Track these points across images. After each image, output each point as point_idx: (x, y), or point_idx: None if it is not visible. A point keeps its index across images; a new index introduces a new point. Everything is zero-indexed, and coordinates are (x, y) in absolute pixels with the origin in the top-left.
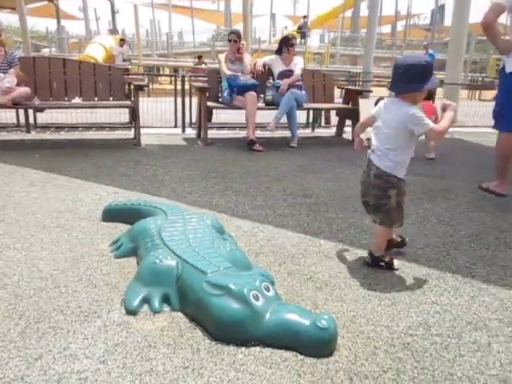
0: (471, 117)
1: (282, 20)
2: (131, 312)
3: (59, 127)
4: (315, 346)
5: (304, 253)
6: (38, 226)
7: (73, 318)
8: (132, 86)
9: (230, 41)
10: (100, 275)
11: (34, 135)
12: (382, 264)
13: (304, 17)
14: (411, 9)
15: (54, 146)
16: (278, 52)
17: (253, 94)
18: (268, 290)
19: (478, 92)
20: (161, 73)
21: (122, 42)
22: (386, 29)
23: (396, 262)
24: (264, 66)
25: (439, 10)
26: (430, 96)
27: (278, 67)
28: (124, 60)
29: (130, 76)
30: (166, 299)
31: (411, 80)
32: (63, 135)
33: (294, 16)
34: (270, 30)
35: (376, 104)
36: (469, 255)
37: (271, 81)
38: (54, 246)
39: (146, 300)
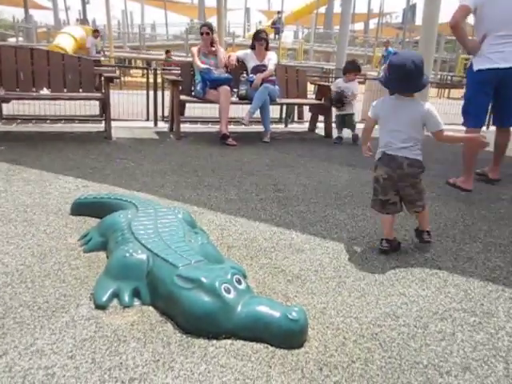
0: (440, 115)
1: (257, 15)
2: (100, 307)
3: (26, 119)
4: (286, 337)
5: (276, 246)
6: (3, 220)
7: (40, 314)
8: (102, 78)
9: (202, 34)
10: (68, 270)
11: None
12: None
13: (278, 12)
14: (383, 7)
15: (21, 138)
16: (252, 47)
17: (226, 88)
18: (239, 282)
19: (447, 90)
20: (133, 65)
21: (96, 33)
22: (359, 26)
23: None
24: (238, 61)
25: (410, 9)
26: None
27: (252, 62)
28: (98, 52)
29: (102, 68)
30: (136, 293)
31: (421, 76)
32: (31, 127)
33: (268, 11)
34: (245, 24)
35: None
36: (436, 248)
37: (245, 75)
38: (21, 241)
39: (116, 294)
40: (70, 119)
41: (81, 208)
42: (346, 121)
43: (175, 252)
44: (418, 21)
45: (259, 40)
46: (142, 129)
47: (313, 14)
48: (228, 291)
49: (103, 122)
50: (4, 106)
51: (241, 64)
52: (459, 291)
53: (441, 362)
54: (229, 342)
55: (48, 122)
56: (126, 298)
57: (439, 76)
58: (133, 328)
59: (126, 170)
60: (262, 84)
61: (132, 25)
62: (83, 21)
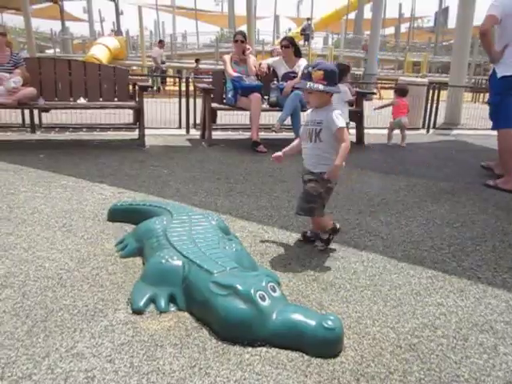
0: (476, 119)
1: (286, 22)
2: (137, 311)
3: (64, 127)
4: (321, 346)
5: (309, 254)
6: (43, 226)
7: (79, 317)
8: (136, 87)
9: (236, 41)
10: (106, 275)
11: (39, 135)
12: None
13: (308, 19)
14: (415, 11)
15: (59, 146)
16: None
17: (257, 95)
18: (274, 290)
19: (481, 94)
20: (165, 74)
21: (161, 43)
22: (390, 31)
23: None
24: (268, 68)
25: (443, 12)
26: (404, 94)
27: (282, 69)
28: (163, 62)
29: (135, 77)
30: (172, 299)
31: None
32: (68, 135)
33: (297, 18)
34: (274, 32)
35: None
36: (474, 257)
37: (275, 82)
38: (60, 246)
39: (153, 300)
40: (105, 127)
41: (117, 214)
42: None
43: (210, 258)
44: (451, 24)
45: (282, 47)
46: (175, 136)
47: (342, 19)
48: (263, 299)
49: (137, 129)
50: (43, 115)
51: (271, 71)
52: (500, 302)
53: (483, 375)
54: (264, 349)
55: (84, 130)
56: (163, 304)
57: (473, 80)
58: (169, 333)
59: (159, 177)
60: (292, 91)
61: (164, 34)
62: (117, 32)
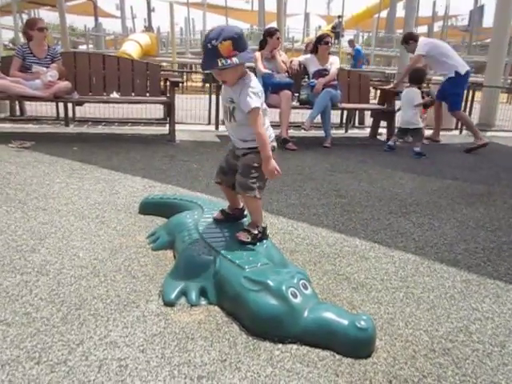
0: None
1: (316, 19)
2: (169, 304)
3: (96, 121)
4: (353, 346)
5: (339, 253)
6: (77, 217)
7: (112, 307)
8: (168, 83)
9: (271, 37)
10: (138, 266)
11: (72, 128)
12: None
13: (339, 17)
14: (449, 10)
15: (92, 139)
16: (314, 51)
17: (287, 92)
18: (306, 287)
19: None
20: (194, 70)
21: None
22: (422, 29)
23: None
24: (299, 65)
25: (478, 10)
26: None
27: (313, 66)
28: None
29: (167, 72)
30: (203, 292)
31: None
32: (100, 129)
33: (327, 16)
34: (304, 29)
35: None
36: (511, 262)
37: (306, 80)
38: (94, 237)
39: (184, 292)
40: (136, 122)
41: (148, 207)
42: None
43: (241, 254)
44: (486, 23)
45: (324, 44)
46: (204, 132)
47: (374, 17)
48: (294, 296)
49: (167, 125)
50: (76, 108)
51: (302, 69)
52: None
53: None
54: (294, 346)
55: (116, 124)
56: (194, 297)
57: (510, 81)
58: (200, 326)
59: (189, 172)
60: (323, 89)
61: (194, 31)
62: (148, 28)
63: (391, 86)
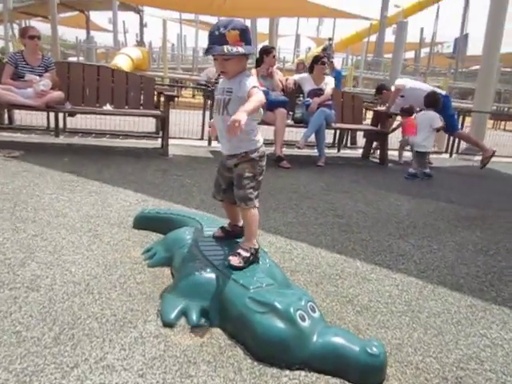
0: (498, 147)
1: (306, 41)
2: (168, 324)
3: (87, 133)
4: (365, 372)
5: (341, 274)
6: (69, 230)
7: (108, 327)
8: (162, 97)
9: (267, 55)
10: (134, 283)
11: (62, 139)
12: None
13: (329, 39)
14: (436, 37)
15: (82, 151)
16: (310, 71)
17: (283, 110)
18: (314, 310)
19: (502, 122)
20: (187, 86)
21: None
22: (410, 55)
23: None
24: (294, 84)
25: (463, 39)
26: (410, 114)
27: (309, 85)
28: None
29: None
30: (204, 313)
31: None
32: (91, 141)
33: (317, 38)
34: (295, 50)
35: None
36: None
37: (301, 98)
38: (86, 251)
39: (184, 313)
40: (128, 135)
41: (143, 222)
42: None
43: (245, 273)
44: (470, 51)
45: (321, 64)
46: (196, 147)
47: (363, 41)
48: (303, 319)
49: (159, 139)
50: (67, 119)
51: (297, 87)
52: None
53: None
54: (303, 373)
55: (107, 136)
56: (194, 318)
57: (495, 107)
58: (202, 350)
59: (183, 188)
60: (318, 108)
61: (185, 48)
62: (140, 43)
63: (384, 109)
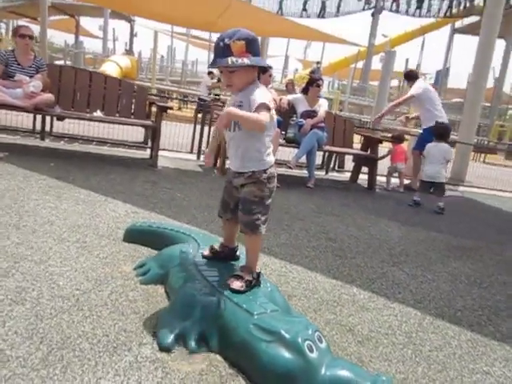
0: (479, 178)
1: (294, 63)
2: (165, 349)
3: (73, 138)
4: None
5: (338, 301)
6: (55, 239)
7: (100, 348)
8: (154, 107)
9: (264, 73)
10: (126, 301)
11: (47, 143)
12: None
13: (317, 62)
14: (420, 68)
15: (68, 156)
16: (304, 92)
17: (276, 129)
18: (321, 340)
19: (482, 155)
20: (169, 98)
21: (211, 74)
22: (394, 82)
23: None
24: (288, 104)
25: (444, 72)
26: (400, 141)
27: (302, 106)
28: (209, 93)
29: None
30: (203, 338)
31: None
32: (77, 147)
33: (303, 60)
34: (283, 70)
35: None
36: (511, 323)
37: (294, 119)
38: (75, 263)
39: (182, 336)
40: (115, 143)
41: (135, 235)
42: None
43: (248, 297)
44: (450, 84)
45: (316, 86)
46: (185, 161)
47: (350, 67)
48: (311, 349)
49: (147, 149)
50: (54, 123)
51: (290, 107)
52: None
53: None
54: None
55: (94, 143)
56: (193, 343)
57: (475, 140)
58: (201, 378)
59: (173, 201)
60: (311, 129)
61: (174, 60)
62: (129, 51)
63: (377, 116)
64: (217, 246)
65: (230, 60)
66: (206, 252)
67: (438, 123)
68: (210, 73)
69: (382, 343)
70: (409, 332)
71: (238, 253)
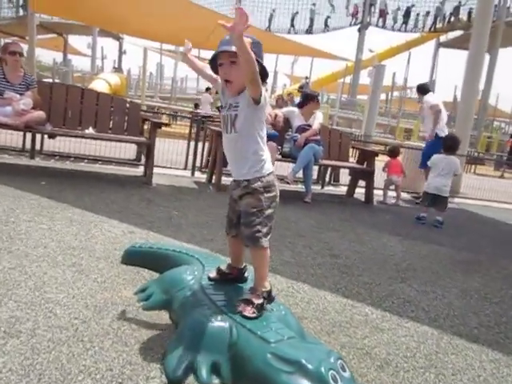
0: (472, 189)
1: (282, 78)
2: (175, 382)
3: (64, 156)
4: None
5: (351, 322)
6: (50, 263)
7: None
8: (149, 124)
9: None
10: (129, 330)
11: (37, 162)
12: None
13: (306, 77)
14: (407, 82)
15: (60, 175)
16: (300, 106)
17: (272, 144)
18: (344, 369)
19: (473, 166)
20: (162, 114)
21: (210, 90)
22: (382, 96)
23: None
24: (284, 120)
25: (431, 85)
26: (396, 154)
27: (298, 121)
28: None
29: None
30: (215, 369)
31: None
32: (68, 165)
33: (291, 75)
34: (272, 85)
35: None
36: None
37: (289, 133)
38: (71, 289)
39: (192, 369)
40: (108, 161)
41: (134, 257)
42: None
43: (261, 322)
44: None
45: (317, 102)
46: (179, 177)
47: (339, 81)
48: (335, 380)
49: (140, 166)
50: (44, 141)
51: (285, 121)
52: None
53: None
54: None
55: (85, 161)
56: (204, 375)
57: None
58: None
59: (171, 220)
60: (306, 143)
61: (163, 77)
62: (118, 69)
63: (429, 135)
64: (224, 267)
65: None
66: (213, 274)
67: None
68: (207, 89)
69: (403, 367)
70: (428, 354)
71: (246, 274)
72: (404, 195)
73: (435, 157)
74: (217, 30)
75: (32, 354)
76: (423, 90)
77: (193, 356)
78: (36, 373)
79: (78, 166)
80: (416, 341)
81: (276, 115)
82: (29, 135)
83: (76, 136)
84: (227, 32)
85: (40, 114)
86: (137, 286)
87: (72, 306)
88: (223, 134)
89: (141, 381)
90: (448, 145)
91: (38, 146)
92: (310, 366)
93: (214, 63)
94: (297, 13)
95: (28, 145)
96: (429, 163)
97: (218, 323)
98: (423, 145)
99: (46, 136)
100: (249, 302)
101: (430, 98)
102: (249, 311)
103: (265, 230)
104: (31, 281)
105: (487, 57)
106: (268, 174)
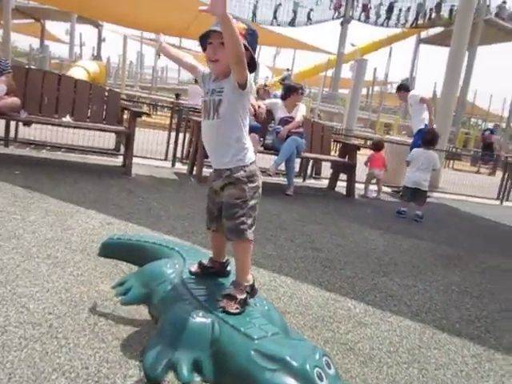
0: (450, 184)
1: (264, 70)
2: (154, 381)
3: (40, 145)
4: None
5: (334, 316)
6: (23, 255)
7: None
8: (128, 113)
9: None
10: (106, 326)
11: (12, 150)
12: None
13: (287, 69)
14: (388, 77)
15: (35, 164)
16: (283, 98)
17: (255, 135)
18: (329, 366)
19: (451, 162)
20: (142, 104)
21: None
22: (363, 91)
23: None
24: (267, 112)
25: (410, 81)
26: (379, 148)
27: (281, 113)
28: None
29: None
30: (196, 366)
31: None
32: (44, 154)
33: (273, 67)
34: (254, 77)
35: None
36: (510, 333)
37: (272, 125)
38: (46, 282)
39: (172, 366)
40: (85, 150)
41: (112, 249)
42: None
43: (245, 318)
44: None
45: (301, 94)
46: (160, 168)
47: (321, 75)
48: (320, 377)
49: (119, 156)
50: (19, 129)
51: (267, 113)
52: None
53: None
54: None
55: (62, 150)
56: (185, 372)
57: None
58: None
59: (150, 211)
60: (289, 136)
61: (144, 66)
62: (97, 57)
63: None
64: (205, 261)
65: None
66: (194, 268)
67: (426, 129)
68: (196, 81)
69: (386, 363)
70: (411, 349)
71: (228, 267)
72: (385, 189)
73: (415, 151)
74: (199, 18)
75: (2, 352)
76: (406, 87)
77: (173, 353)
78: (6, 371)
79: (54, 155)
80: (399, 335)
81: (259, 106)
82: (2, 122)
83: (52, 124)
84: (211, 18)
85: (14, 100)
86: (115, 280)
87: (46, 300)
88: (203, 122)
89: (118, 379)
90: (427, 139)
91: (12, 134)
92: (294, 364)
93: (203, 41)
94: (280, 5)
95: (1, 132)
96: (408, 157)
97: (200, 319)
98: (404, 139)
99: (20, 123)
100: (232, 298)
101: (415, 92)
102: (232, 307)
103: (249, 221)
104: (2, 274)
105: (466, 53)
106: (251, 163)
